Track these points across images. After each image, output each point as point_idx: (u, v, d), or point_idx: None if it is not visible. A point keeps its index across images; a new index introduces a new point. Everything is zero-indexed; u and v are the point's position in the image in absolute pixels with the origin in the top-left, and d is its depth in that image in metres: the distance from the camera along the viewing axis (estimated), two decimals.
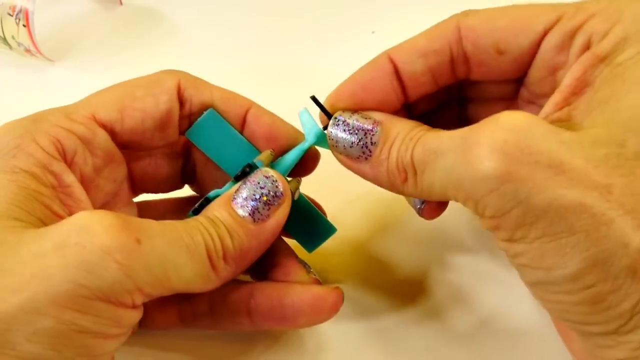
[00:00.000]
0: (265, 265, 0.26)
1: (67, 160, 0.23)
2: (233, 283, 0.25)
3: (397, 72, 0.24)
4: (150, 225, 0.20)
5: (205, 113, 0.26)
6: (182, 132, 0.26)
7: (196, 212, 0.25)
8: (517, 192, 0.18)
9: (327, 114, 0.25)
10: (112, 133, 0.24)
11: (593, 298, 0.18)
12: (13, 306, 0.18)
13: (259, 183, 0.23)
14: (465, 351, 0.27)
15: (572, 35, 0.22)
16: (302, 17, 0.47)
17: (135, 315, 0.20)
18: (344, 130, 0.24)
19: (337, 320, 0.25)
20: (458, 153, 0.20)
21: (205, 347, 0.27)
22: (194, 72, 0.25)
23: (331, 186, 0.29)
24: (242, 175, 0.24)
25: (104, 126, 0.24)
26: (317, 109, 0.25)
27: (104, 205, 0.25)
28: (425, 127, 0.23)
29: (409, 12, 0.45)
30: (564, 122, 0.20)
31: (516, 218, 0.18)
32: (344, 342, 0.27)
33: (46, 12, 0.47)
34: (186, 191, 0.29)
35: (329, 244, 0.27)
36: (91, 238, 0.18)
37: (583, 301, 0.18)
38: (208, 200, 0.25)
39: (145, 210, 0.28)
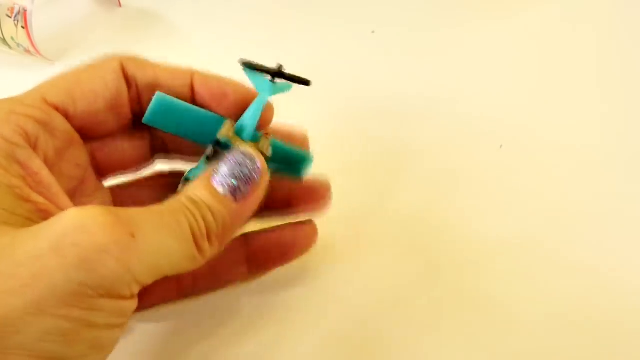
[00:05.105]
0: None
1: (31, 145, 0.22)
2: None
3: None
4: (140, 215, 0.21)
5: (154, 98, 0.25)
6: (134, 114, 0.26)
7: None
8: None
9: (266, 71, 0.25)
10: (66, 116, 0.24)
11: None
12: (18, 309, 0.18)
13: (238, 162, 0.23)
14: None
15: None
16: (301, 17, 0.47)
17: (134, 304, 0.21)
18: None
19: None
20: None
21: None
22: None
23: None
24: (215, 154, 0.24)
25: (57, 109, 0.24)
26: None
27: (72, 191, 0.25)
28: None
29: (409, 12, 0.45)
30: None
31: None
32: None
33: (45, 13, 0.46)
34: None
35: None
36: (88, 237, 0.18)
37: None
38: (188, 181, 0.25)
39: (121, 196, 0.28)
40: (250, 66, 0.25)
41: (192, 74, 0.26)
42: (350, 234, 0.31)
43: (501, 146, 0.35)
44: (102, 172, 0.27)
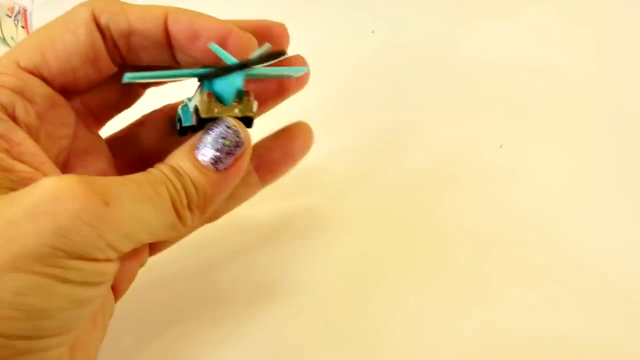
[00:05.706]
0: None
1: (10, 115, 0.22)
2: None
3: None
4: (116, 185, 0.21)
5: (122, 79, 0.24)
6: (118, 64, 0.25)
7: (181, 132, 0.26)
8: None
9: (232, 70, 0.24)
10: (42, 78, 0.24)
11: None
12: None
13: (221, 133, 0.24)
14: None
15: None
16: (301, 17, 0.47)
17: (113, 266, 0.21)
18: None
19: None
20: None
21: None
22: None
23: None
24: (199, 125, 0.24)
25: (31, 73, 0.23)
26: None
27: (64, 150, 0.25)
28: None
29: (409, 12, 0.45)
30: None
31: None
32: None
33: (45, 13, 0.46)
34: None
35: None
36: (62, 205, 0.19)
37: None
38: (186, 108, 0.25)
39: (123, 143, 0.28)
40: (214, 76, 0.24)
41: (165, 15, 0.25)
42: (342, 223, 0.31)
43: (501, 146, 0.35)
44: (99, 119, 0.27)
